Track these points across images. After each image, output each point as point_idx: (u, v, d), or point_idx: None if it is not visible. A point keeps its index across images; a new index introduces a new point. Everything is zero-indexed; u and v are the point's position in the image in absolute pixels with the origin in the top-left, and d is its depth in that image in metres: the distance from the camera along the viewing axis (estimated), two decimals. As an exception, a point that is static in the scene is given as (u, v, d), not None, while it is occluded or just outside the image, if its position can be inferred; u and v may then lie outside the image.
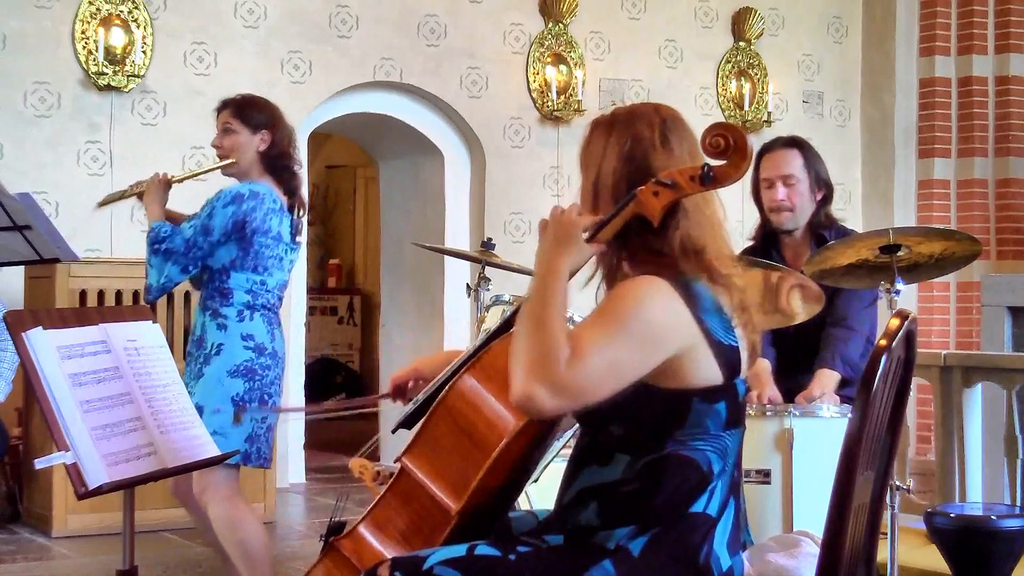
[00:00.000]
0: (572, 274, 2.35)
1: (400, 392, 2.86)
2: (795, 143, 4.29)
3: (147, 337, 2.95)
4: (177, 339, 6.18)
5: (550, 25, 8.19)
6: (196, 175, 4.39)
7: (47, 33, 6.84)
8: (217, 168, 4.29)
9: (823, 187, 4.25)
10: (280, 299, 4.26)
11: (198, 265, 4.11)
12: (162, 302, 6.18)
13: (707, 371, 2.25)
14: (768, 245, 4.31)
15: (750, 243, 4.39)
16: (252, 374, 4.08)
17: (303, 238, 4.47)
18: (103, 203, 4.53)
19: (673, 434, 2.26)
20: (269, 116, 4.26)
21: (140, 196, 4.32)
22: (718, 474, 2.28)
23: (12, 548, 5.84)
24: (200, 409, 3.93)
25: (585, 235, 2.29)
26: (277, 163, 4.22)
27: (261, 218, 4.08)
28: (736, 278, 2.33)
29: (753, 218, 4.39)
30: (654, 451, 2.26)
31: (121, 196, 4.38)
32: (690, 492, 2.26)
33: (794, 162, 4.22)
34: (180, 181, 4.32)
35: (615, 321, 2.21)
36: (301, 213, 4.29)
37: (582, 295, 2.50)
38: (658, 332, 2.21)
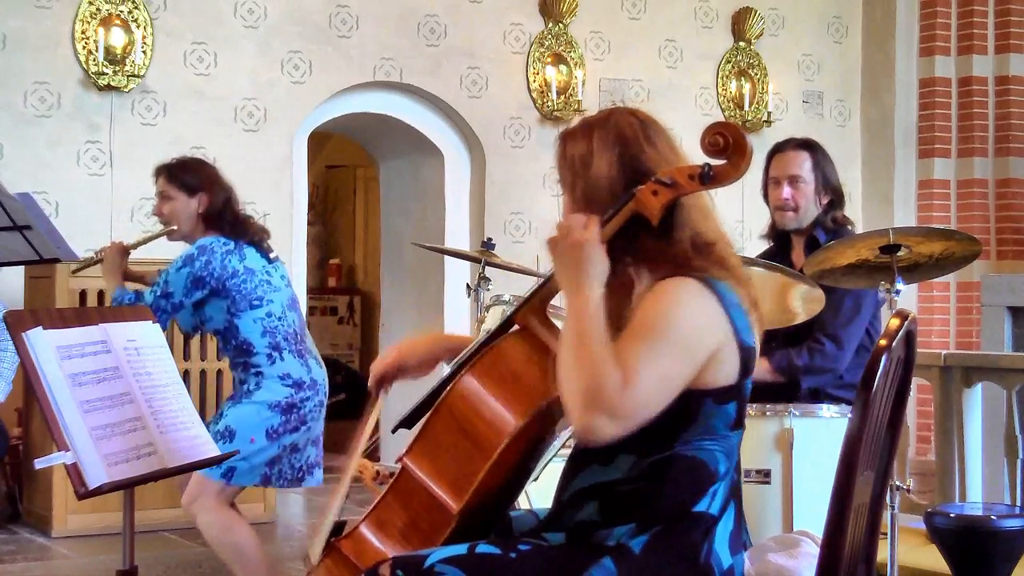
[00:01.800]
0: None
1: (383, 382, 2.71)
2: (806, 145, 4.32)
3: (147, 337, 2.95)
4: (177, 339, 6.18)
5: (550, 25, 8.19)
6: (148, 240, 4.48)
7: (47, 33, 6.84)
8: (162, 234, 4.37)
9: (830, 191, 4.27)
10: (296, 320, 4.29)
11: (166, 325, 4.17)
12: (162, 302, 6.18)
13: (728, 370, 2.25)
14: (782, 245, 4.34)
15: (768, 244, 4.41)
16: (292, 408, 4.20)
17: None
18: (76, 270, 4.62)
19: (680, 435, 2.25)
20: (203, 178, 4.30)
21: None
22: (723, 474, 2.29)
23: (12, 548, 5.84)
24: (231, 432, 4.04)
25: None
26: (220, 220, 4.26)
27: (219, 266, 4.13)
28: (742, 272, 2.33)
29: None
30: (661, 451, 2.26)
31: (90, 263, 4.51)
32: (694, 492, 2.26)
33: (802, 163, 4.24)
34: (135, 247, 4.43)
35: (654, 332, 2.19)
36: (262, 237, 4.31)
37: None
38: (696, 335, 2.21)
